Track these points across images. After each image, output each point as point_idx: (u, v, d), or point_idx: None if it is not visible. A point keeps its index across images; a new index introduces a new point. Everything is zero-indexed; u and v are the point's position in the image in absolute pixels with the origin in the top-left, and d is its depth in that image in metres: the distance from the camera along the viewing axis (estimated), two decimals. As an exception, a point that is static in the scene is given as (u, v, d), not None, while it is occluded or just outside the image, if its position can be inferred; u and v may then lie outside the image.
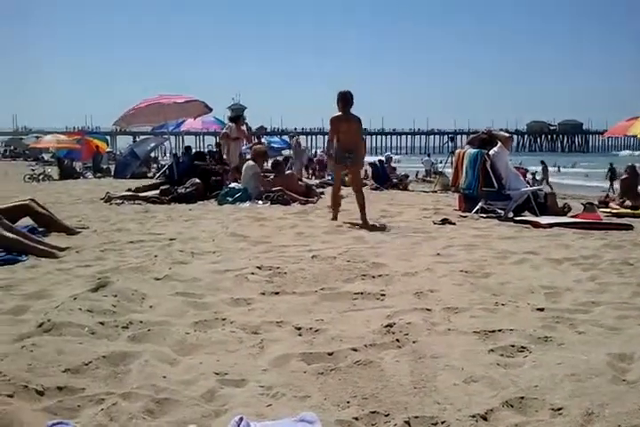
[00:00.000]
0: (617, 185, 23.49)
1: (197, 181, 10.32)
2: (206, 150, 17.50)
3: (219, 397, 2.15)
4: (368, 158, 17.28)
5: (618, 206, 10.64)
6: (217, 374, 2.34)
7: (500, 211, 8.43)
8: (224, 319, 3.03)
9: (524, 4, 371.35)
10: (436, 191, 15.07)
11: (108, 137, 49.25)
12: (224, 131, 13.01)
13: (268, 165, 12.62)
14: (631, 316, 3.22)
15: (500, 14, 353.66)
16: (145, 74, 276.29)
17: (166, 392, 2.13)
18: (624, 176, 12.07)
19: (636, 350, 2.62)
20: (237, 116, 14.05)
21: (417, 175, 27.68)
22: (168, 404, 2.05)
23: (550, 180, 28.29)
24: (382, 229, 6.67)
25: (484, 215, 8.21)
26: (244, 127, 13.50)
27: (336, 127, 7.44)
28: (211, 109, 14.06)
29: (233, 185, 9.98)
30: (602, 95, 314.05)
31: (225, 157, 12.50)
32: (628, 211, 10.05)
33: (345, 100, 7.34)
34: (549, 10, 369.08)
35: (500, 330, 2.86)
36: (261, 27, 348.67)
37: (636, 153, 64.69)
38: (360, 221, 7.00)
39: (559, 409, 2.03)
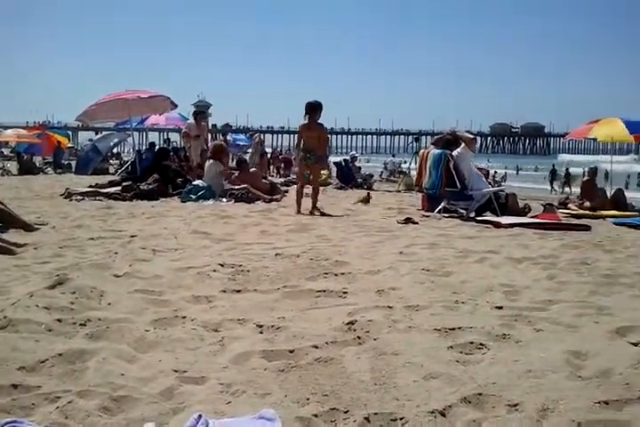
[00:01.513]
0: (557, 187, 25.80)
1: (157, 177, 10.19)
2: (170, 147, 17.28)
3: (177, 394, 2.13)
4: (334, 158, 17.36)
5: (577, 208, 10.87)
6: (176, 371, 2.32)
7: (462, 211, 8.54)
8: (184, 317, 3.00)
9: (491, 5, 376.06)
10: (399, 191, 15.18)
11: (70, 132, 48.38)
12: (184, 130, 12.88)
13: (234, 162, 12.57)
14: (587, 314, 3.29)
15: (467, 15, 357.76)
16: (108, 71, 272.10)
17: (124, 390, 2.10)
18: (585, 178, 12.33)
19: (591, 347, 2.68)
20: (196, 112, 13.90)
21: (381, 175, 27.82)
22: (125, 401, 2.02)
23: (508, 183, 28.90)
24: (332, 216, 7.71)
25: (447, 215, 8.32)
26: (204, 124, 13.36)
27: (300, 134, 8.65)
28: (176, 105, 13.89)
29: (197, 182, 9.90)
30: (564, 99, 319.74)
31: (187, 154, 12.40)
32: (587, 212, 10.27)
33: (308, 109, 8.42)
34: (516, 10, 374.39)
35: (459, 328, 2.88)
36: (229, 24, 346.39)
37: (578, 157, 67.07)
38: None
39: (515, 405, 2.06)
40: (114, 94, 13.13)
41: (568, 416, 1.97)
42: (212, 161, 10.01)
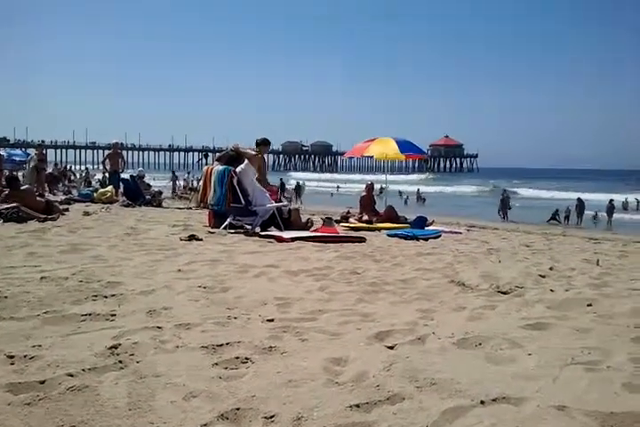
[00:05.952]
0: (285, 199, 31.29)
1: None
2: None
3: None
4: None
5: (356, 221, 11.53)
6: None
7: (248, 226, 8.64)
8: None
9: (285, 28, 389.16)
10: (191, 208, 14.99)
11: None
12: None
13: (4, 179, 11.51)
14: (352, 321, 3.48)
15: (264, 33, 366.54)
16: None
17: None
18: (363, 193, 13.09)
19: (350, 353, 2.82)
20: None
21: (173, 192, 27.39)
22: None
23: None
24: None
25: (233, 231, 8.36)
26: None
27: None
28: None
29: (-42, 202, 8.91)
30: (350, 120, 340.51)
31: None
32: (364, 225, 10.95)
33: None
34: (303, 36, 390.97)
35: (227, 343, 2.88)
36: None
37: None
38: None
39: (272, 417, 2.09)
40: None
41: (320, 423, 2.04)
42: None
